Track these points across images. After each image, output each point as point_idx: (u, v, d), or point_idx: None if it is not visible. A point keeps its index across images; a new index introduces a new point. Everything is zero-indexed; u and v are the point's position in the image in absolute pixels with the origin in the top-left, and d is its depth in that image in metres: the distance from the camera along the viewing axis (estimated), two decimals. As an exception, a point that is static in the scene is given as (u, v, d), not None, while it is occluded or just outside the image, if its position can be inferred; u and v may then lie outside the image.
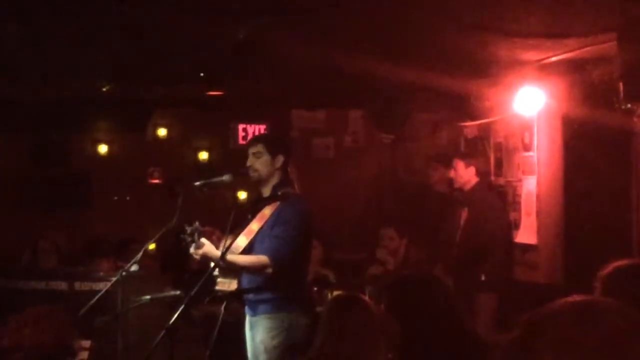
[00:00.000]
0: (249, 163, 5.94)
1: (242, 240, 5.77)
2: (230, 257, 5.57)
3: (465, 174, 8.25)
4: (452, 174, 8.34)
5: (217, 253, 5.53)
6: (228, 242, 5.54)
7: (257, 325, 5.83)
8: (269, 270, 5.65)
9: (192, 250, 5.55)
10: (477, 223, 8.06)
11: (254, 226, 5.83)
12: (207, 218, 8.91)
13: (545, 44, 6.63)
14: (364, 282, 8.15)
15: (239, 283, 5.82)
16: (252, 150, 5.97)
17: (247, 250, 5.77)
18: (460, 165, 8.27)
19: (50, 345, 3.97)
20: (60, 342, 4.05)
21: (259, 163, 5.91)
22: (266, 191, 5.96)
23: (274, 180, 5.93)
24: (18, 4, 5.67)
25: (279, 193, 5.83)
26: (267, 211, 5.85)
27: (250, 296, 5.87)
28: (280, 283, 5.73)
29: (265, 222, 5.81)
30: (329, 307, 4.40)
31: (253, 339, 5.91)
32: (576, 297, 1.71)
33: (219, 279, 5.76)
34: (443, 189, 8.89)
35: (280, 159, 5.92)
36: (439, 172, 8.90)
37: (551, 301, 1.73)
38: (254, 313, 5.87)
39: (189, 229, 5.54)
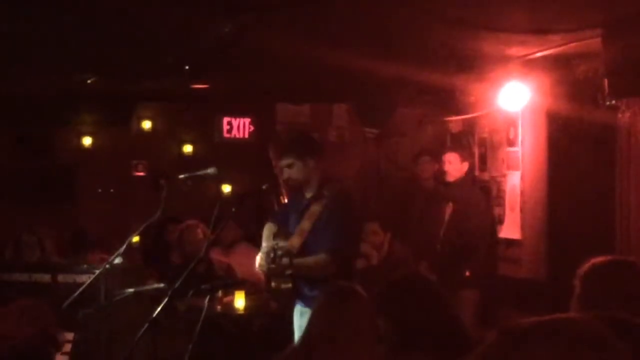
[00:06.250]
0: (285, 176, 6.11)
1: (296, 241, 5.90)
2: (297, 261, 5.74)
3: (461, 168, 8.23)
4: (446, 167, 8.29)
5: (286, 262, 5.71)
6: (288, 243, 5.81)
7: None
8: (332, 267, 5.73)
9: (262, 264, 5.82)
10: (462, 219, 8.05)
11: (306, 225, 5.94)
12: (191, 211, 8.98)
13: (530, 39, 6.64)
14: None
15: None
16: (283, 164, 6.09)
17: (302, 250, 5.87)
18: (456, 158, 8.25)
19: (34, 337, 3.96)
20: (44, 334, 4.04)
21: (294, 172, 6.03)
22: (309, 192, 6.07)
23: (315, 180, 6.04)
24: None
25: (324, 191, 5.97)
26: (315, 209, 5.95)
27: (306, 291, 5.92)
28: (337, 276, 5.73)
29: (317, 220, 5.92)
30: (324, 297, 4.40)
31: (302, 328, 5.88)
32: (554, 316, 1.69)
33: (273, 278, 5.91)
34: (431, 184, 8.86)
35: (311, 162, 6.01)
36: (431, 166, 8.83)
37: (534, 296, 1.73)
38: (308, 305, 5.80)
39: (280, 249, 5.74)
